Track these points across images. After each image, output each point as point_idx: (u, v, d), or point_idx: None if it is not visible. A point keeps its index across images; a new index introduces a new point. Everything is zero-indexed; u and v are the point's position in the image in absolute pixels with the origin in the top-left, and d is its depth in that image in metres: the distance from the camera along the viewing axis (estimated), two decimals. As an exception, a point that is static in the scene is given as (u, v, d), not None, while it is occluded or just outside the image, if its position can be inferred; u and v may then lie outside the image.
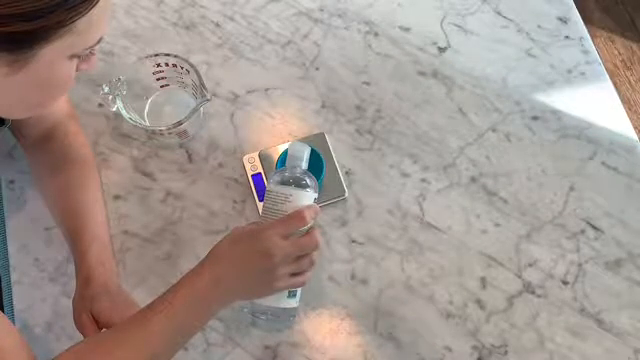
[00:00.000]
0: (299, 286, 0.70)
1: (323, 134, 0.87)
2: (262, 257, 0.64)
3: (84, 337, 0.70)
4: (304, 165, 0.70)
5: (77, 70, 0.61)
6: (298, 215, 0.66)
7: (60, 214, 0.77)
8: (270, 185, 0.70)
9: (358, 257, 0.82)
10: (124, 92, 0.81)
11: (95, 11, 0.53)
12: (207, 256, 0.65)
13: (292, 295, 0.70)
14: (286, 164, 0.71)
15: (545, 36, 0.95)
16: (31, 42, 0.52)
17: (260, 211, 0.82)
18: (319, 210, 0.68)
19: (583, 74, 0.93)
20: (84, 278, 0.71)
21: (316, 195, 0.70)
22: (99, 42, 0.58)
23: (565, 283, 0.81)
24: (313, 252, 0.68)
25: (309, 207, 0.67)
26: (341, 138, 0.88)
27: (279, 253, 0.63)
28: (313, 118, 0.89)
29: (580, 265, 0.81)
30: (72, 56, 0.57)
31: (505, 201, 0.85)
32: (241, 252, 0.64)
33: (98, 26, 0.56)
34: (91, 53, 0.61)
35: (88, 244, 0.73)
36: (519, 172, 0.87)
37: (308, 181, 0.69)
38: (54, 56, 0.55)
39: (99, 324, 0.69)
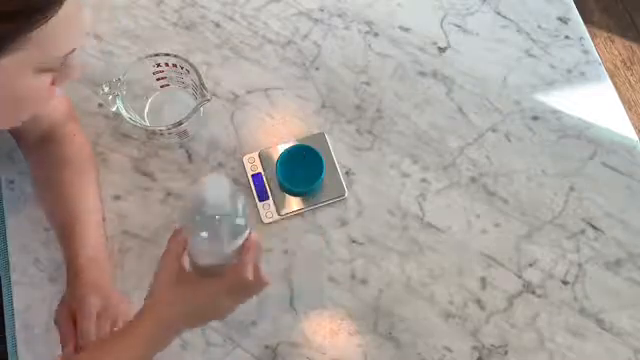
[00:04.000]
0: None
1: (323, 134, 0.87)
2: (208, 312, 0.64)
3: (59, 331, 0.70)
4: (226, 206, 0.56)
5: (55, 84, 0.59)
6: (240, 271, 0.60)
7: (54, 215, 0.77)
8: (195, 236, 0.58)
9: (358, 257, 0.82)
10: (124, 92, 0.81)
11: (55, 23, 0.52)
12: (146, 303, 0.63)
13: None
14: (201, 207, 0.56)
15: (545, 36, 0.95)
16: None
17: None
18: (257, 242, 0.62)
19: (583, 74, 0.93)
20: (73, 275, 0.71)
21: (244, 221, 0.58)
22: (69, 54, 0.57)
23: (565, 283, 0.81)
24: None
25: (247, 253, 0.61)
26: (341, 138, 0.88)
27: (226, 310, 0.64)
28: (313, 118, 0.89)
29: (580, 265, 0.81)
30: (39, 70, 0.56)
31: (505, 201, 0.85)
32: (183, 307, 0.62)
33: (63, 39, 0.55)
34: (66, 66, 0.58)
35: (80, 245, 0.73)
36: (519, 172, 0.87)
37: (228, 227, 0.57)
38: (14, 68, 0.53)
39: (84, 326, 0.68)
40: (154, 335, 0.61)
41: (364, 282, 0.81)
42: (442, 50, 0.94)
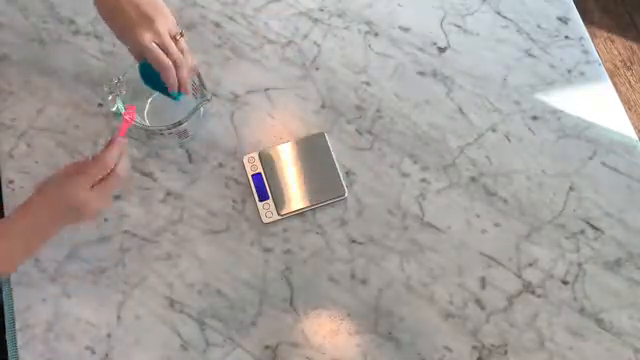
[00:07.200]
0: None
1: (323, 134, 0.87)
2: (72, 213, 0.69)
3: None
4: None
5: None
6: (102, 162, 0.69)
7: None
8: None
9: (358, 257, 0.82)
10: (124, 92, 0.81)
11: None
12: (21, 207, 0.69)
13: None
14: None
15: (545, 36, 0.95)
16: None
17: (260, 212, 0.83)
18: (124, 143, 0.72)
19: (583, 74, 0.93)
20: None
21: None
22: None
23: (565, 283, 0.81)
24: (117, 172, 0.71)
25: (110, 148, 0.70)
26: (341, 138, 0.88)
27: (88, 208, 0.69)
28: (313, 118, 0.89)
29: (580, 265, 0.82)
30: None
31: (505, 201, 0.85)
32: (50, 208, 0.69)
33: None
34: None
35: None
36: (519, 172, 0.87)
37: None
38: None
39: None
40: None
41: (364, 282, 0.81)
42: (442, 50, 0.94)
